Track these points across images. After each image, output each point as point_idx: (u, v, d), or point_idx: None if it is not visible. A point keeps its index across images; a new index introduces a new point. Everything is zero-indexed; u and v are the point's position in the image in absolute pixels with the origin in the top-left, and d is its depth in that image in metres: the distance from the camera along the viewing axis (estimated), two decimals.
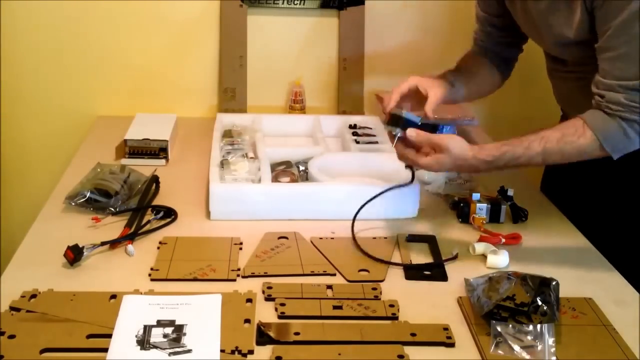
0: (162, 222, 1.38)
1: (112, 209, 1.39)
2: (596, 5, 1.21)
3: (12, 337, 1.01)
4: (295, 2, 1.95)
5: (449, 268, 1.26)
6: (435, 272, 1.25)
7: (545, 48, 1.48)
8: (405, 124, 1.28)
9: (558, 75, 1.50)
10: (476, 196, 1.43)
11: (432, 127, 1.30)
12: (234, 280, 1.19)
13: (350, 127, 1.78)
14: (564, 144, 1.24)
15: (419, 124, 1.28)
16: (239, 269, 1.22)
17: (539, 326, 1.04)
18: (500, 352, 1.02)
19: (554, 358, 1.01)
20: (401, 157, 1.31)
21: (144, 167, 1.58)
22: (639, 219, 1.49)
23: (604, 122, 1.23)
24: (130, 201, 1.42)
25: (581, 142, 1.23)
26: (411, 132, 1.27)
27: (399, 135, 1.27)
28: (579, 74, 1.38)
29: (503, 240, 1.34)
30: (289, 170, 1.53)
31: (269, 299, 1.14)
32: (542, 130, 1.26)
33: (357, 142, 1.69)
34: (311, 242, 1.33)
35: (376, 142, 1.71)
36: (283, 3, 1.95)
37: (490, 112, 2.09)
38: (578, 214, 1.49)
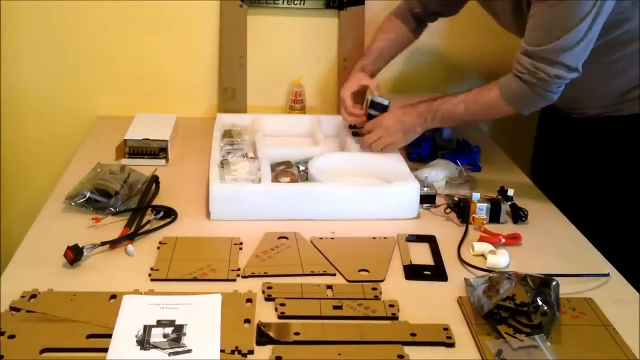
0: (162, 222, 1.38)
1: (112, 209, 1.39)
2: None
3: (12, 337, 1.01)
4: (295, 2, 1.95)
5: (449, 268, 1.27)
6: (435, 272, 1.25)
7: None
8: (380, 107, 1.62)
9: None
10: (476, 196, 1.43)
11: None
12: (234, 280, 1.19)
13: (350, 127, 1.78)
14: (479, 95, 1.47)
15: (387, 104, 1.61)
16: (239, 269, 1.22)
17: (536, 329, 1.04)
18: None
19: (554, 358, 1.01)
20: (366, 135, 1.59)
21: (144, 167, 1.58)
22: (638, 219, 1.50)
23: (509, 80, 1.43)
24: (130, 201, 1.42)
25: (491, 95, 1.45)
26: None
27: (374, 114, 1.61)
28: None
29: (503, 240, 1.34)
30: (289, 170, 1.53)
31: (269, 299, 1.14)
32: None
33: (357, 134, 1.70)
34: (311, 242, 1.33)
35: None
36: (283, 3, 1.95)
37: None
38: (578, 213, 1.49)
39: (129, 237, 1.30)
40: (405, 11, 1.73)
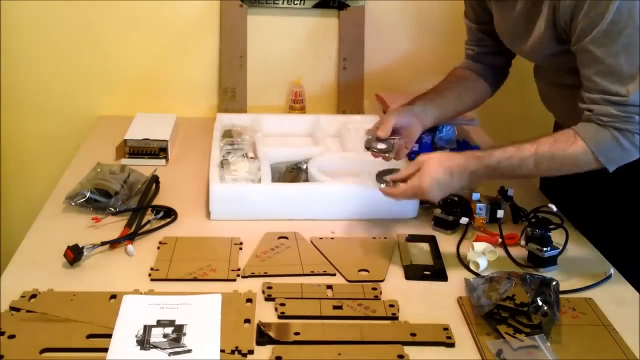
0: (162, 222, 1.38)
1: (112, 209, 1.39)
2: (573, 16, 1.20)
3: (12, 337, 1.01)
4: (295, 2, 1.95)
5: (449, 268, 1.27)
6: (435, 272, 1.25)
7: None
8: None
9: (540, 75, 1.53)
10: (476, 196, 1.43)
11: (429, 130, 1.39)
12: (234, 280, 1.19)
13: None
14: (556, 150, 1.24)
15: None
16: (239, 269, 1.22)
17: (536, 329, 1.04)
18: None
19: (554, 358, 1.01)
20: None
21: (144, 167, 1.58)
22: (638, 219, 1.50)
23: (596, 132, 1.22)
24: (130, 201, 1.42)
25: (573, 151, 1.23)
26: (387, 188, 1.30)
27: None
28: (555, 78, 1.43)
29: (499, 240, 1.34)
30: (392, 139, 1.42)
31: (269, 299, 1.14)
32: (536, 137, 1.27)
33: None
34: (311, 242, 1.33)
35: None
36: (283, 3, 1.95)
37: (490, 112, 2.08)
38: (578, 214, 1.49)
39: (129, 237, 1.30)
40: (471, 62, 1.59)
